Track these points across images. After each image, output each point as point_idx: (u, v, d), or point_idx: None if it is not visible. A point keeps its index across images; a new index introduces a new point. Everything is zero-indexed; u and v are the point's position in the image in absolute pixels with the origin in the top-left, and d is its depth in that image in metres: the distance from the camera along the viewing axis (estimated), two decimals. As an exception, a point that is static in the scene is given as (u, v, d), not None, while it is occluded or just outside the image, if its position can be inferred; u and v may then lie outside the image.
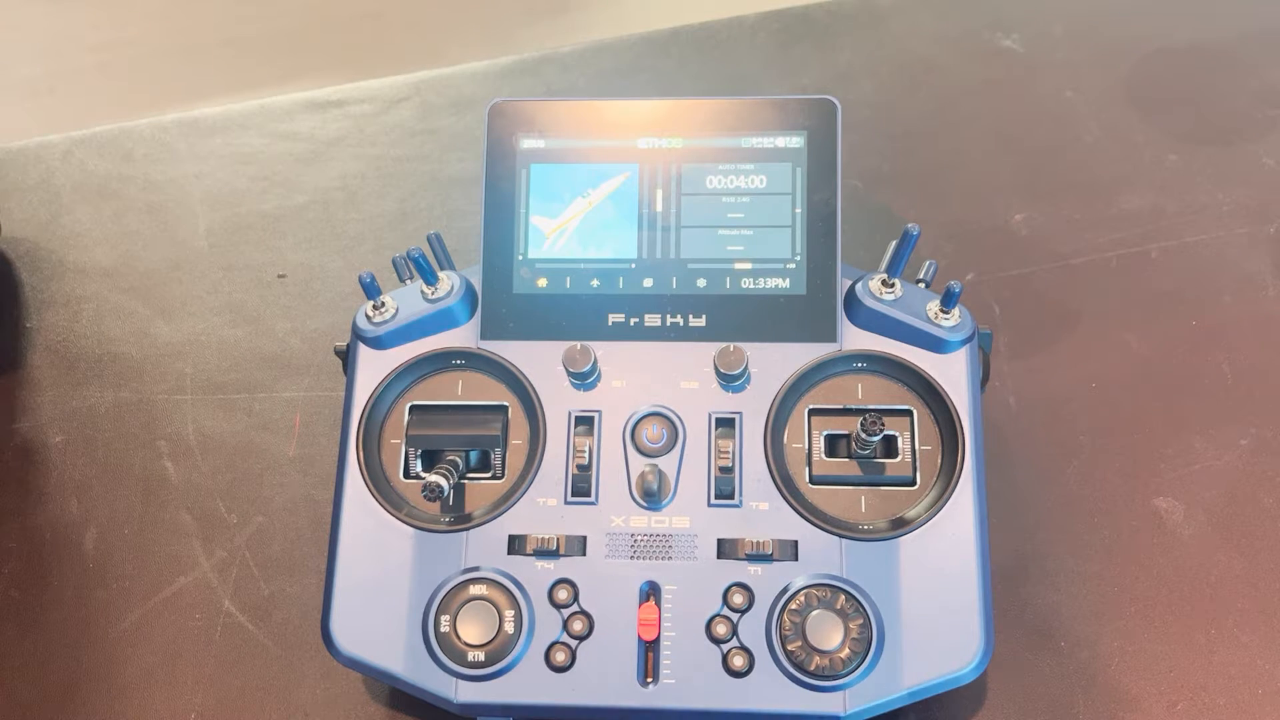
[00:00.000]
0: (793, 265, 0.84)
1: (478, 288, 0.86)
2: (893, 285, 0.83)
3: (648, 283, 0.85)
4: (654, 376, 0.84)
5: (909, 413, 0.83)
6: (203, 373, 1.03)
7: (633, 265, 0.85)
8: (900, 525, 0.79)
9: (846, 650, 0.76)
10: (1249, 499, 0.90)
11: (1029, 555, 0.88)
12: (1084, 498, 0.91)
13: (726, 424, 0.82)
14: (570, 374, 0.83)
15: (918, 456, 0.82)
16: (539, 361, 0.84)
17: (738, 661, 0.77)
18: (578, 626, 0.78)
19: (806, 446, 0.82)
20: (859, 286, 0.84)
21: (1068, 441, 0.94)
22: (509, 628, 0.78)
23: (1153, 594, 0.87)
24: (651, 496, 0.80)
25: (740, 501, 0.80)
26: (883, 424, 0.78)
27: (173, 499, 0.96)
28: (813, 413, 0.83)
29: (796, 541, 0.79)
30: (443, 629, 0.78)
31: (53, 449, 1.00)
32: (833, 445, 0.83)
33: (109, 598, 0.92)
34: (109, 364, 1.04)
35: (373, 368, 0.85)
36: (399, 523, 0.81)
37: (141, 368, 1.03)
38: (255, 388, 1.01)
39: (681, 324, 0.84)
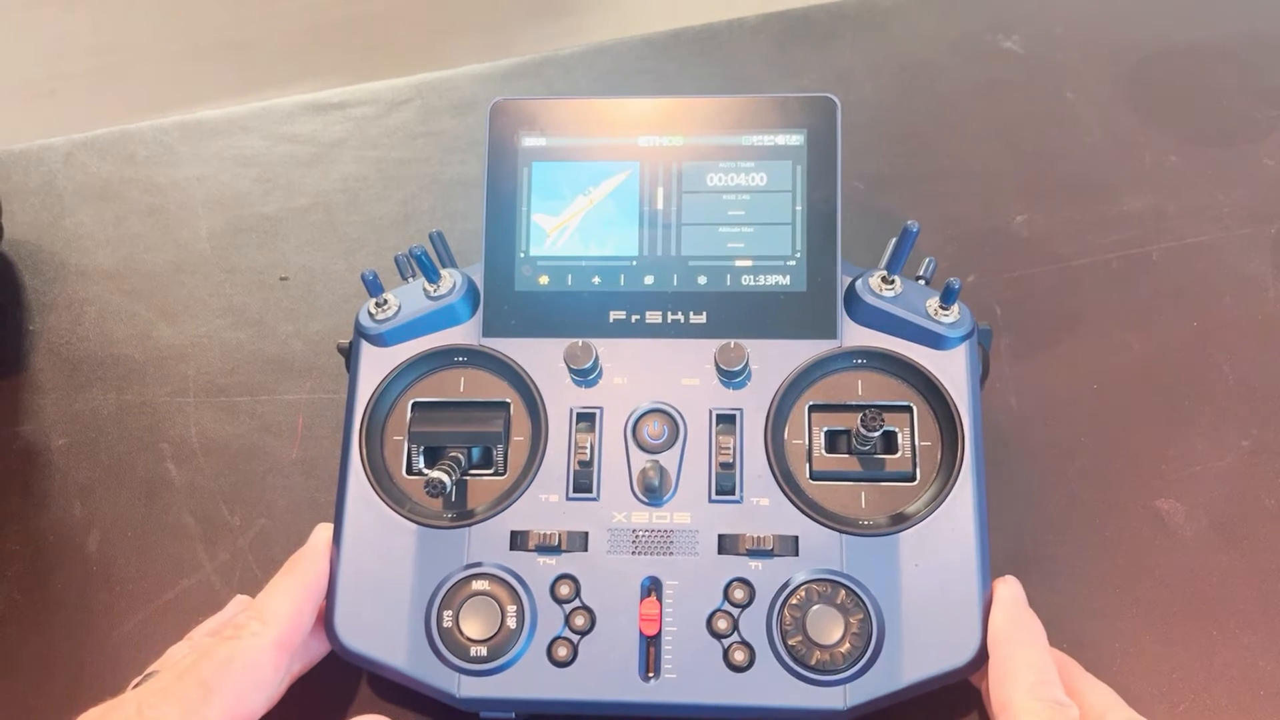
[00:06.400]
0: (793, 262, 0.85)
1: (480, 285, 0.87)
2: (893, 282, 0.84)
3: (649, 280, 0.85)
4: (655, 373, 0.84)
5: (909, 409, 0.83)
6: (205, 375, 1.03)
7: (634, 262, 0.85)
8: (900, 521, 0.80)
9: (847, 645, 0.76)
10: (1250, 500, 0.90)
11: (1030, 557, 0.88)
12: (1085, 499, 0.91)
13: (727, 420, 0.83)
14: (572, 371, 0.83)
15: (917, 452, 0.82)
16: (541, 358, 0.84)
17: (739, 656, 0.77)
18: (579, 622, 0.78)
19: (807, 442, 0.83)
20: (859, 283, 0.84)
21: (1069, 443, 0.93)
22: (511, 623, 0.78)
23: (1154, 595, 0.87)
24: (653, 492, 0.80)
25: (741, 497, 0.81)
26: (883, 420, 0.79)
27: (175, 501, 0.96)
28: (813, 409, 0.83)
29: (797, 537, 0.79)
30: (445, 624, 0.78)
31: (55, 452, 1.00)
32: (833, 441, 0.83)
33: (112, 600, 0.92)
34: (111, 367, 1.04)
35: (375, 365, 0.85)
36: (402, 519, 0.81)
37: (144, 370, 1.03)
38: (258, 390, 1.01)
39: (682, 321, 0.84)
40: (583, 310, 0.85)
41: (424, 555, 0.81)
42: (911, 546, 0.79)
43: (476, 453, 0.84)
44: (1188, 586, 0.87)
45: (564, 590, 0.79)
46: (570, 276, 0.86)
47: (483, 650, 0.78)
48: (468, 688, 0.78)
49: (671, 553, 0.80)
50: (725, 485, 0.81)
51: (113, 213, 1.13)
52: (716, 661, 0.77)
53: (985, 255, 1.03)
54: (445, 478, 0.78)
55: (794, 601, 0.77)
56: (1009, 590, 0.78)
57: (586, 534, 0.80)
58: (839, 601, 0.77)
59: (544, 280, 0.86)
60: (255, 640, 0.75)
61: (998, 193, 1.07)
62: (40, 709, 0.88)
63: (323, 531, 0.82)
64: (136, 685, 0.76)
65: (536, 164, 0.87)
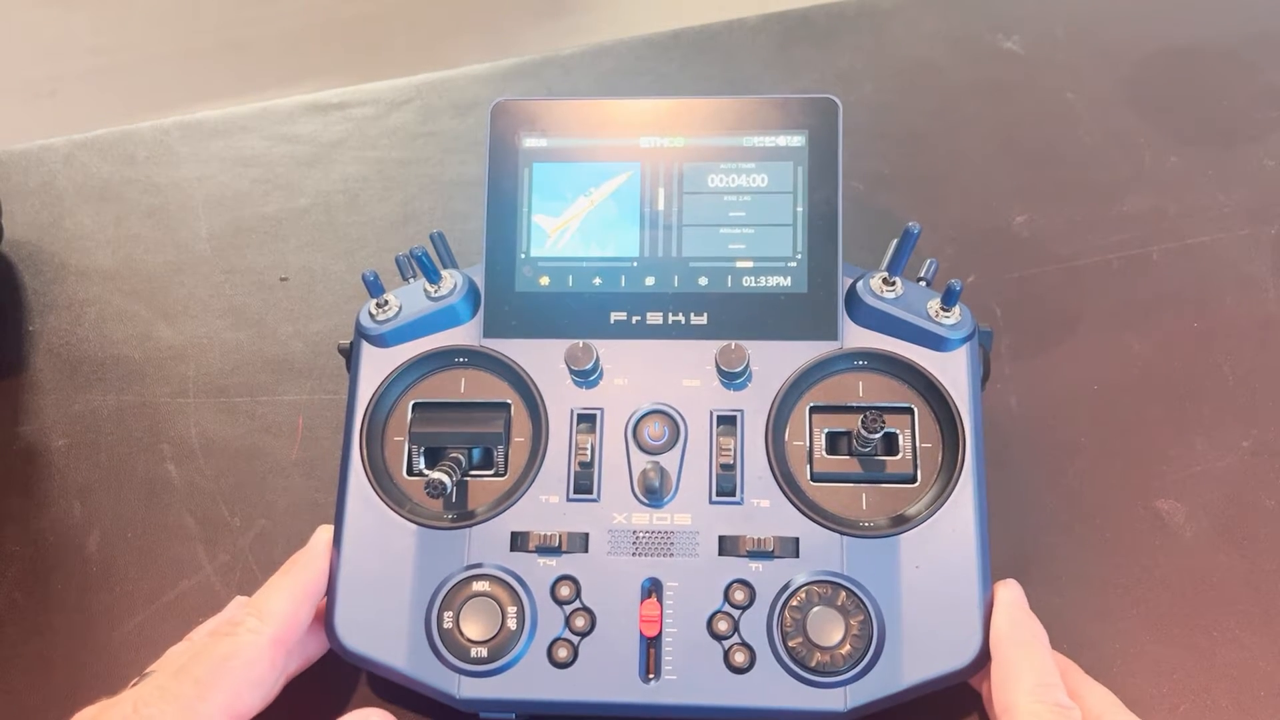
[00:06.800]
0: (794, 263, 0.85)
1: (480, 286, 0.87)
2: (894, 283, 0.84)
3: (649, 281, 0.85)
4: (656, 374, 0.84)
5: (910, 410, 0.83)
6: (205, 376, 1.03)
7: (635, 263, 0.85)
8: (901, 522, 0.80)
9: (847, 646, 0.76)
10: (1251, 501, 0.90)
11: (1030, 557, 0.88)
12: (1085, 499, 0.91)
13: (728, 421, 0.83)
14: (572, 372, 0.83)
15: (918, 454, 0.82)
16: (541, 359, 0.84)
17: (739, 658, 0.77)
18: (580, 623, 0.78)
19: (808, 444, 0.83)
20: (860, 285, 0.84)
21: (1069, 443, 0.93)
22: (511, 624, 0.78)
23: (1154, 596, 0.87)
24: (653, 494, 0.80)
25: (741, 499, 0.81)
26: (883, 421, 0.79)
27: (176, 502, 0.96)
28: (814, 410, 0.83)
29: (798, 538, 0.79)
30: (445, 625, 0.78)
31: (55, 453, 1.00)
32: (834, 443, 0.83)
33: (112, 601, 0.92)
34: (111, 367, 1.04)
35: (376, 365, 0.85)
36: (402, 519, 0.81)
37: (144, 371, 1.03)
38: (258, 391, 1.01)
39: (683, 322, 0.84)
40: (583, 311, 0.85)
41: (424, 556, 0.81)
42: (912, 548, 0.79)
43: (477, 453, 0.84)
44: (1188, 587, 0.87)
45: (564, 591, 0.79)
46: (571, 277, 0.86)
47: (483, 651, 0.78)
48: (468, 688, 0.78)
49: (672, 554, 0.80)
50: (726, 486, 0.81)
51: (113, 213, 1.13)
52: (717, 663, 0.77)
53: (985, 256, 1.03)
54: (446, 478, 0.78)
55: (794, 603, 0.77)
56: (1010, 593, 0.78)
57: (587, 535, 0.80)
58: (839, 603, 0.77)
59: (545, 281, 0.86)
60: (252, 637, 0.75)
61: (998, 193, 1.07)
62: (40, 709, 0.88)
63: (323, 533, 0.82)
64: (134, 686, 0.76)
65: (537, 164, 0.87)
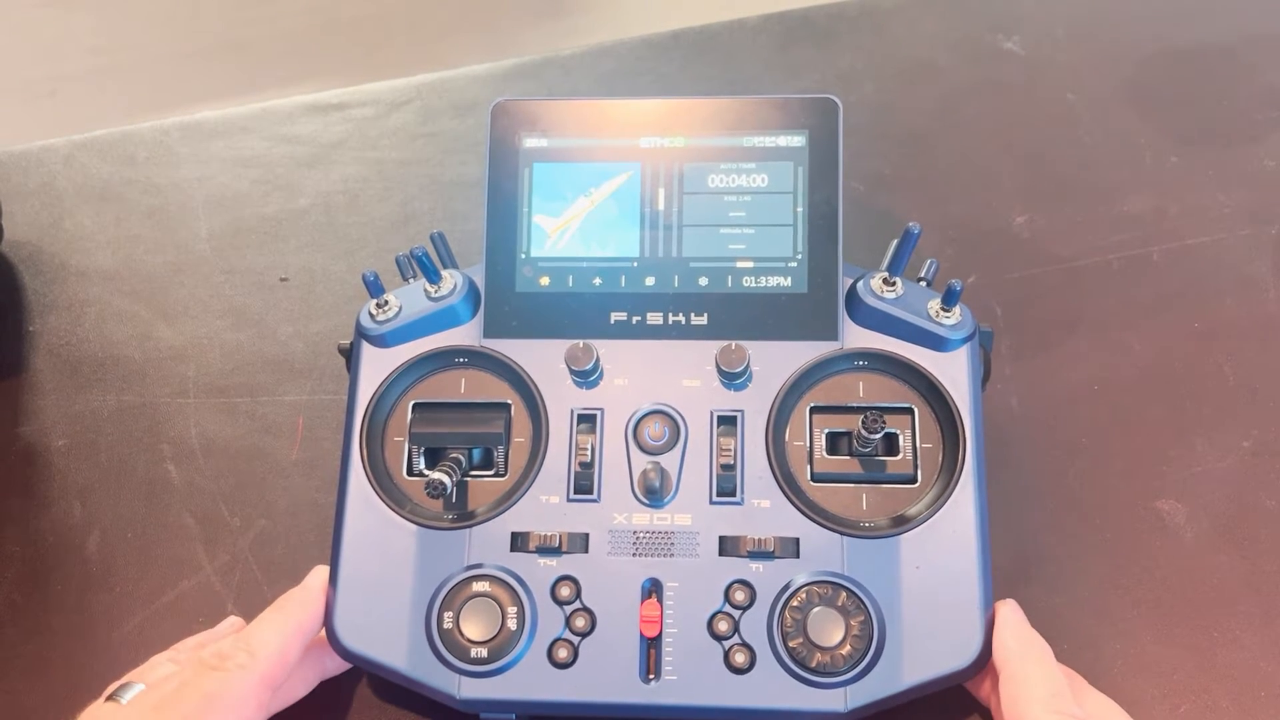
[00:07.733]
0: (794, 264, 0.85)
1: (480, 286, 0.87)
2: (894, 284, 0.84)
3: (650, 281, 0.85)
4: (656, 374, 0.84)
5: (910, 410, 0.83)
6: (205, 376, 1.03)
7: (635, 264, 0.85)
8: (901, 523, 0.80)
9: (847, 647, 0.76)
10: (1251, 501, 0.90)
11: (1031, 557, 0.88)
12: (1086, 500, 0.91)
13: (728, 422, 0.83)
14: (573, 372, 0.83)
15: (919, 454, 0.82)
16: (541, 359, 0.84)
17: (739, 658, 0.77)
18: (580, 623, 0.78)
19: (808, 444, 0.83)
20: (860, 285, 0.84)
21: (1070, 444, 0.93)
22: (511, 624, 0.78)
23: (1155, 596, 0.87)
24: (653, 494, 0.80)
25: (742, 499, 0.81)
26: (884, 422, 0.79)
27: (175, 502, 0.96)
28: (814, 410, 0.83)
29: (798, 539, 0.79)
30: (445, 625, 0.78)
31: (55, 453, 1.00)
32: (834, 443, 0.83)
33: (112, 601, 0.92)
34: (111, 367, 1.04)
35: (376, 366, 0.85)
36: (402, 520, 0.81)
37: (144, 371, 1.03)
38: (258, 391, 1.01)
39: (683, 322, 0.84)
40: (584, 311, 0.85)
41: (424, 556, 0.81)
42: (913, 549, 0.79)
43: (477, 454, 0.84)
44: (1188, 587, 0.87)
45: (564, 592, 0.79)
46: (571, 277, 0.86)
47: (483, 651, 0.78)
48: (468, 689, 0.78)
49: (672, 554, 0.80)
50: (726, 487, 0.81)
51: (113, 214, 1.13)
52: (717, 663, 0.77)
53: (986, 256, 1.03)
54: (446, 479, 0.78)
55: (795, 603, 0.77)
56: (1012, 611, 0.78)
57: (587, 535, 0.80)
58: (840, 603, 0.77)
59: (545, 281, 0.86)
60: (241, 674, 0.74)
61: (998, 193, 1.07)
62: (40, 709, 0.88)
63: (318, 574, 0.82)
64: (110, 695, 0.75)
65: (538, 165, 0.87)
